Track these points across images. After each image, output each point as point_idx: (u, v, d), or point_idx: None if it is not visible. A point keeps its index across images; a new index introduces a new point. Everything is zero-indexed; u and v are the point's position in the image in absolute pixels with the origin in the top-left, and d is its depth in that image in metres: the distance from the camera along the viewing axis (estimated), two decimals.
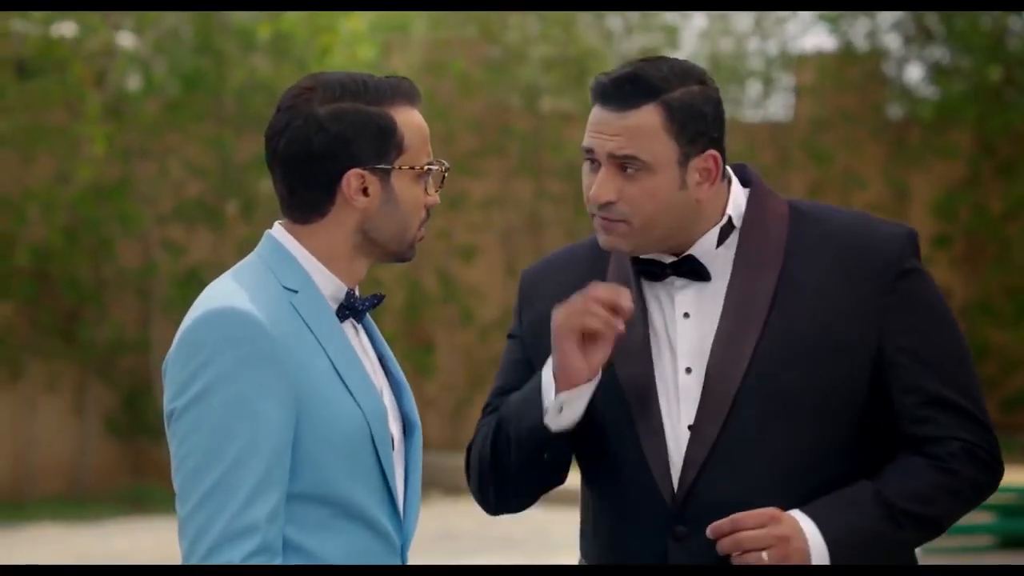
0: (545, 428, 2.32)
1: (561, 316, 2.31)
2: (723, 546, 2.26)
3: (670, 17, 13.40)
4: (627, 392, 2.34)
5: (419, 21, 12.26)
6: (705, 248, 2.38)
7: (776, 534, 2.25)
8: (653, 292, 2.40)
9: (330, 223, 2.21)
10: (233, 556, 2.07)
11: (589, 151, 2.38)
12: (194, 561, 2.10)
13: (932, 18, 13.65)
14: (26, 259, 10.81)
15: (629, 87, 2.34)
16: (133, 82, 11.32)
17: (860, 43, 13.70)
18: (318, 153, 2.19)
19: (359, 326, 2.27)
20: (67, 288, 11.03)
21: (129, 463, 11.08)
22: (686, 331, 2.36)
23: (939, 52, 13.81)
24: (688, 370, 2.35)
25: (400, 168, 2.21)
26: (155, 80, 11.10)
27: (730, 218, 2.39)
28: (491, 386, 2.52)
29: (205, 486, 2.09)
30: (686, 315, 2.37)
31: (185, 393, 2.12)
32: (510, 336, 2.52)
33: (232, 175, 11.23)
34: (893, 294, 2.33)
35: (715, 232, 2.38)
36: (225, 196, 11.34)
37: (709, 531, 2.27)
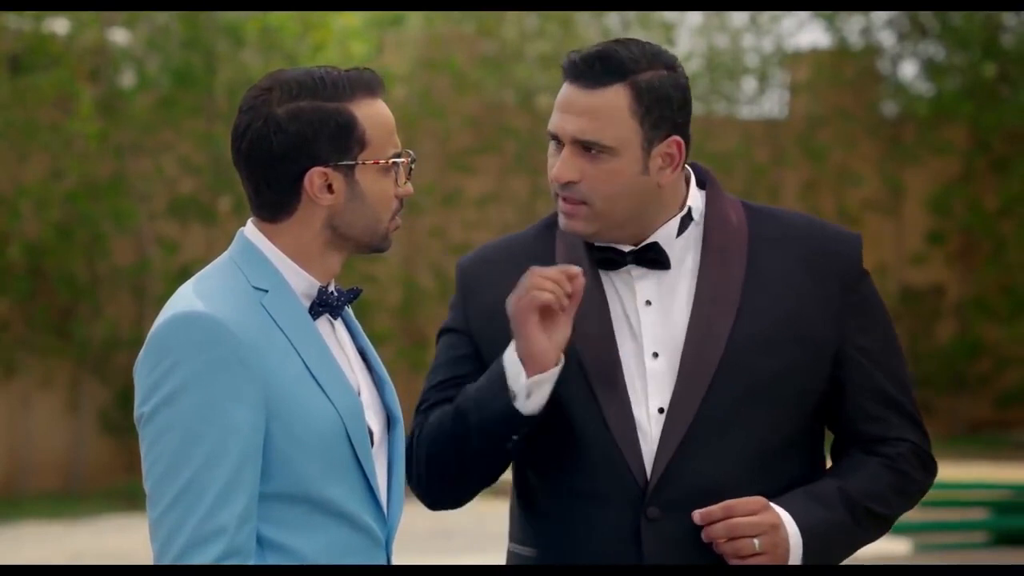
0: (516, 413, 2.32)
1: (514, 299, 2.31)
2: (714, 531, 2.27)
3: (667, 14, 13.40)
4: (592, 375, 2.35)
5: (414, 17, 12.25)
6: (666, 236, 2.40)
7: (769, 521, 2.28)
8: (610, 281, 2.41)
9: (298, 221, 2.21)
10: (201, 560, 2.08)
11: (554, 135, 2.39)
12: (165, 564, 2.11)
13: (926, 15, 13.65)
14: (20, 256, 10.80)
15: (599, 65, 2.35)
16: (126, 78, 11.31)
17: (855, 40, 13.71)
18: (278, 154, 2.18)
19: (335, 322, 2.26)
20: (61, 285, 11.02)
21: (123, 460, 11.08)
22: (649, 318, 2.38)
23: (933, 49, 13.81)
24: (655, 355, 2.36)
25: (364, 163, 2.20)
26: (147, 76, 11.09)
27: (690, 209, 2.41)
28: (427, 382, 2.49)
29: (173, 490, 2.10)
30: (648, 303, 2.38)
31: (153, 398, 2.13)
32: (447, 331, 2.49)
33: (225, 171, 11.22)
34: (854, 294, 2.39)
35: (675, 221, 2.40)
36: (218, 192, 11.34)
37: (698, 517, 2.28)
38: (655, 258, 2.38)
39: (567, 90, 2.38)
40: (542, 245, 2.45)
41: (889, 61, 13.87)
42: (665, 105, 2.35)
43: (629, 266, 2.39)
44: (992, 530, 8.48)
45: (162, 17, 11.08)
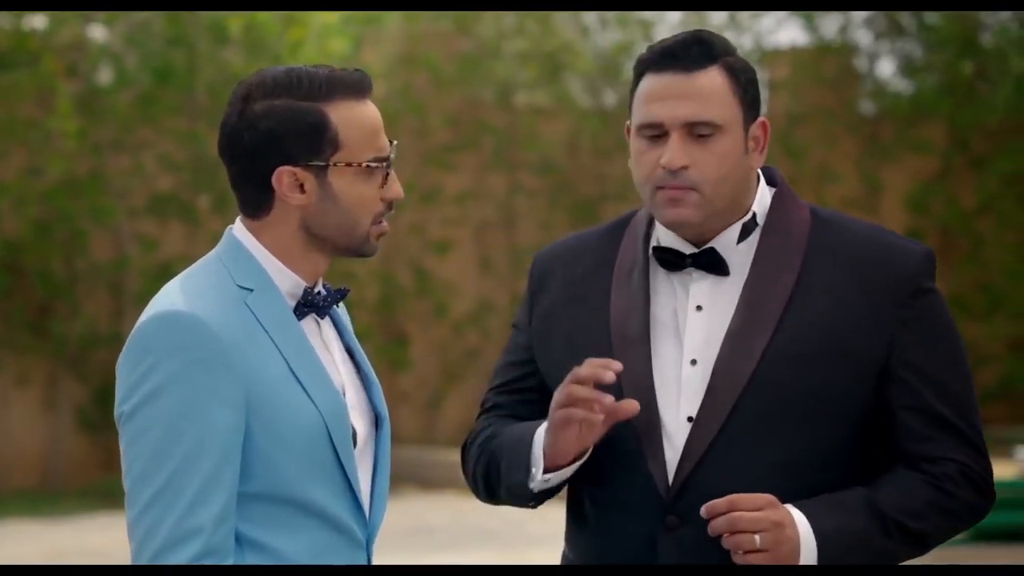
0: (531, 489, 2.36)
1: (555, 402, 2.30)
2: (717, 525, 2.26)
3: (646, 12, 13.42)
4: (624, 381, 2.33)
5: (393, 14, 12.24)
6: (726, 242, 2.38)
7: (772, 519, 2.24)
8: (668, 282, 2.39)
9: (275, 220, 2.21)
10: (178, 559, 2.08)
11: (656, 125, 2.34)
12: (142, 563, 2.11)
13: (904, 13, 13.70)
14: None
15: (697, 48, 2.34)
16: (105, 75, 11.27)
17: (833, 38, 13.75)
18: (250, 150, 2.18)
19: (322, 321, 2.26)
20: (39, 282, 10.99)
21: (101, 457, 11.05)
22: (696, 323, 2.37)
23: (911, 47, 13.86)
24: (693, 362, 2.35)
25: (336, 165, 2.18)
26: (127, 73, 11.06)
27: (754, 215, 2.40)
28: (492, 377, 2.51)
29: (152, 489, 2.10)
30: (699, 308, 2.37)
31: (133, 396, 2.13)
32: (515, 327, 2.50)
33: (205, 170, 11.20)
34: (907, 309, 2.35)
35: (738, 227, 2.38)
36: (198, 190, 11.31)
37: (704, 510, 2.27)
38: (714, 263, 2.37)
39: (662, 79, 2.34)
40: (612, 242, 2.45)
41: (867, 59, 13.92)
42: (754, 87, 2.38)
43: (690, 268, 2.38)
44: (970, 527, 8.51)
45: (142, 14, 11.04)
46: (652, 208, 2.37)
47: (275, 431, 2.15)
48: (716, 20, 13.58)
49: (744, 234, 2.39)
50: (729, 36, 13.59)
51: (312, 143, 2.18)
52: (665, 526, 2.32)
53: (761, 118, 2.39)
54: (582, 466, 2.39)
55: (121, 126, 11.07)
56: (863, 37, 13.89)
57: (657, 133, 2.35)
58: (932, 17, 13.52)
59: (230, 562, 2.11)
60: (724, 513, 2.26)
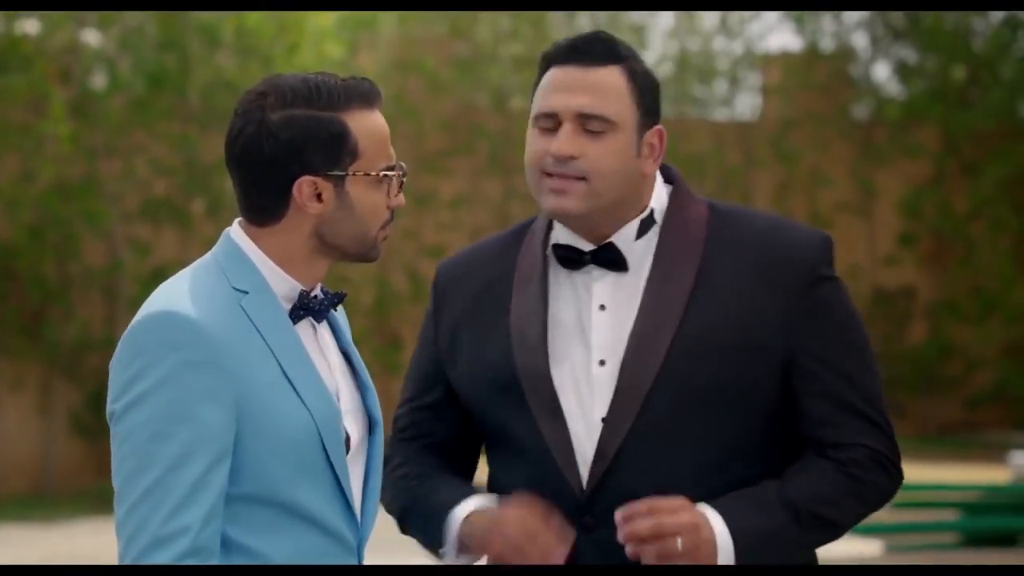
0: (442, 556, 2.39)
1: (499, 553, 2.31)
2: (639, 528, 2.23)
3: (638, 16, 13.44)
4: (525, 384, 2.35)
5: (388, 18, 12.24)
6: (624, 238, 2.38)
7: (689, 521, 2.24)
8: (570, 281, 2.39)
9: (286, 227, 2.21)
10: (164, 559, 2.08)
11: (550, 115, 2.35)
12: (127, 563, 2.11)
13: (897, 17, 13.72)
14: None
15: (600, 46, 2.36)
16: (98, 80, 11.26)
17: (826, 43, 13.77)
18: (269, 160, 2.18)
19: (319, 325, 2.26)
20: (32, 287, 10.98)
21: (94, 462, 11.04)
22: (601, 323, 2.36)
23: (904, 51, 13.88)
24: (602, 362, 2.35)
25: (355, 174, 2.20)
26: (120, 78, 11.05)
27: (652, 211, 2.40)
28: (403, 389, 2.51)
29: (140, 489, 2.10)
30: (602, 307, 2.37)
31: (125, 396, 2.13)
32: (421, 339, 2.51)
33: (198, 174, 11.20)
34: (806, 300, 2.34)
35: (635, 223, 2.38)
36: (191, 195, 11.31)
37: (620, 514, 2.25)
38: (613, 259, 2.37)
39: (563, 71, 2.36)
40: (513, 249, 2.45)
41: (860, 64, 13.94)
42: (652, 94, 2.38)
43: (590, 266, 2.38)
44: (963, 531, 8.53)
45: (136, 18, 11.04)
46: (537, 196, 2.37)
47: (265, 434, 2.15)
48: (708, 25, 13.60)
49: (642, 230, 2.39)
50: (721, 41, 13.62)
51: (333, 153, 2.19)
52: (583, 527, 2.32)
53: (658, 127, 2.39)
54: (499, 472, 2.42)
55: (114, 130, 11.06)
56: (857, 42, 13.91)
57: (551, 125, 2.35)
58: (925, 22, 13.54)
59: (215, 562, 2.12)
60: (642, 516, 2.25)
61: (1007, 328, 13.53)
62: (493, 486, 2.43)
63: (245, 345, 2.16)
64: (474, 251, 2.50)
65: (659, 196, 2.42)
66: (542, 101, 2.36)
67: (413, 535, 2.45)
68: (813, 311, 2.35)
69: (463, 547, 2.36)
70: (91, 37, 11.23)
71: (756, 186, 13.45)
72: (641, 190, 2.38)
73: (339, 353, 2.30)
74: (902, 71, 13.79)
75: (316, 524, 2.18)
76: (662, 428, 2.31)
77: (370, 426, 2.30)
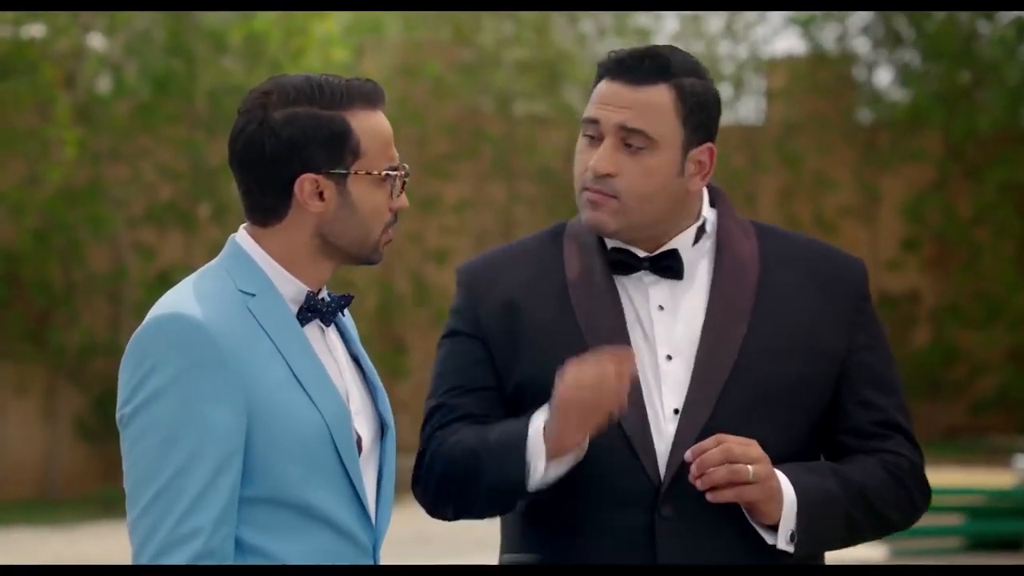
0: (526, 487, 2.34)
1: (564, 391, 2.28)
2: (710, 458, 2.26)
3: (643, 20, 13.44)
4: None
5: (393, 23, 12.26)
6: (683, 245, 2.42)
7: (762, 454, 2.29)
8: (622, 285, 2.42)
9: (288, 227, 2.21)
10: (176, 562, 2.08)
11: (593, 121, 2.39)
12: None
13: (902, 22, 13.72)
14: None
15: (648, 63, 2.38)
16: (103, 84, 11.28)
17: (830, 47, 13.77)
18: (271, 158, 2.18)
19: (327, 329, 2.26)
20: (37, 291, 10.99)
21: (99, 466, 11.05)
22: (662, 321, 2.40)
23: (908, 56, 13.88)
24: (669, 357, 2.39)
25: (357, 173, 2.20)
26: (126, 82, 11.07)
27: (704, 221, 2.45)
28: (439, 384, 2.47)
29: (151, 492, 2.10)
30: (660, 307, 2.42)
31: (133, 400, 2.13)
32: (456, 335, 2.47)
33: (204, 178, 11.21)
34: (861, 314, 2.45)
35: (692, 231, 2.43)
36: (197, 199, 11.32)
37: (691, 453, 2.28)
38: (670, 266, 2.41)
39: (610, 86, 2.38)
40: (551, 250, 2.47)
41: (864, 68, 13.94)
42: (704, 112, 2.40)
43: (642, 272, 2.42)
44: (967, 535, 8.52)
45: (142, 22, 11.05)
46: (578, 205, 2.42)
47: (276, 435, 2.15)
48: (713, 29, 13.60)
49: (696, 238, 2.44)
50: (726, 45, 13.62)
51: (335, 151, 2.19)
52: (661, 515, 2.34)
53: (708, 144, 2.41)
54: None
55: (120, 135, 11.07)
56: (861, 46, 13.92)
57: (593, 133, 2.39)
58: (929, 26, 13.54)
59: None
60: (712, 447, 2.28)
61: (1011, 333, 13.52)
62: (551, 486, 2.40)
63: (253, 346, 2.16)
64: (504, 250, 2.51)
65: (707, 211, 2.47)
66: (589, 108, 2.41)
67: (481, 489, 2.37)
68: (864, 325, 2.45)
69: (546, 443, 2.31)
70: (97, 42, 11.24)
71: (760, 190, 13.45)
72: (687, 205, 2.42)
73: (348, 356, 2.30)
74: (906, 75, 13.79)
75: (330, 525, 2.18)
76: (736, 421, 2.35)
77: (382, 429, 2.30)
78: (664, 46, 2.42)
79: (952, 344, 13.49)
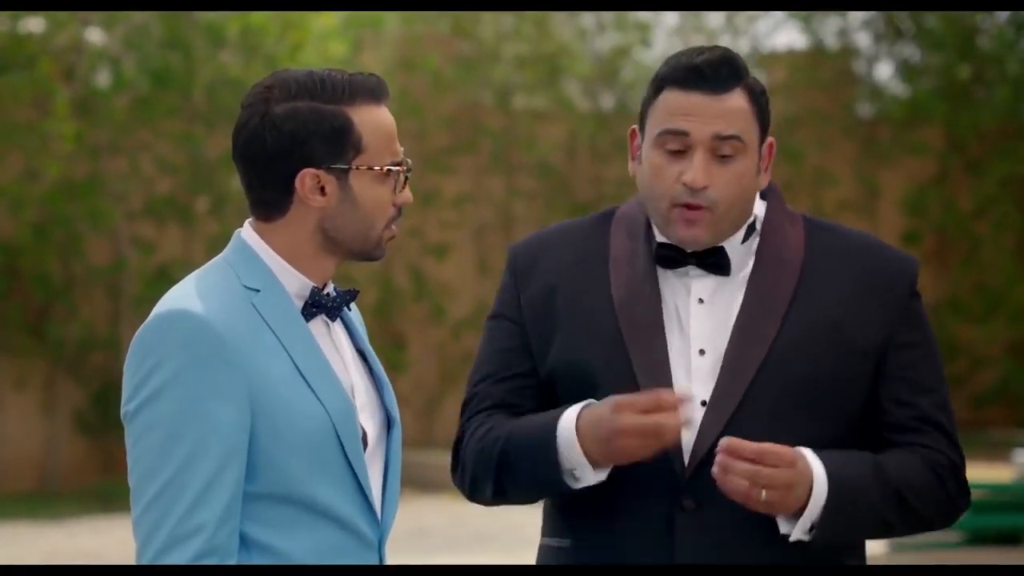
0: (566, 486, 2.37)
1: (622, 426, 2.28)
2: (738, 468, 2.27)
3: (643, 15, 13.43)
4: (638, 366, 2.38)
5: (391, 17, 12.25)
6: (733, 243, 2.44)
7: (785, 481, 2.28)
8: (666, 277, 2.43)
9: (291, 221, 2.21)
10: (180, 559, 2.08)
11: (682, 134, 2.37)
12: (144, 563, 2.11)
13: (902, 16, 13.71)
14: None
15: (726, 70, 2.37)
16: (102, 78, 11.27)
17: (831, 41, 13.76)
18: (272, 152, 2.18)
19: (332, 323, 2.26)
20: (36, 285, 10.98)
21: (98, 460, 11.04)
22: (700, 315, 2.42)
23: (909, 50, 13.87)
24: (702, 351, 2.40)
25: (358, 168, 2.20)
26: (124, 76, 11.06)
27: (755, 218, 2.47)
28: (475, 371, 2.50)
29: (155, 488, 2.11)
30: (700, 301, 2.43)
31: (137, 396, 2.13)
32: (499, 317, 2.50)
33: (202, 172, 11.20)
34: (905, 312, 2.44)
35: (743, 230, 2.45)
36: (195, 193, 11.31)
37: (725, 444, 2.28)
38: (717, 263, 2.42)
39: (691, 96, 2.37)
40: (598, 234, 2.47)
41: (865, 62, 13.93)
42: (767, 107, 2.43)
43: (688, 267, 2.43)
44: (968, 530, 8.52)
45: (140, 17, 11.04)
46: (663, 222, 2.40)
47: (280, 430, 2.14)
48: (713, 23, 13.59)
49: (746, 236, 2.45)
50: (726, 39, 13.60)
51: (336, 146, 2.18)
52: (681, 507, 2.35)
53: (770, 139, 2.44)
54: None
55: (118, 129, 11.06)
56: (861, 40, 13.90)
57: (679, 146, 2.37)
58: (929, 20, 13.53)
59: (232, 562, 2.11)
60: (747, 458, 2.28)
61: (1011, 326, 13.52)
62: None
63: (257, 342, 2.15)
64: (554, 231, 2.52)
65: (758, 205, 2.48)
66: (667, 121, 2.37)
67: (518, 472, 2.40)
68: (910, 322, 2.44)
69: (580, 442, 2.33)
70: (95, 36, 11.23)
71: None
72: (753, 202, 2.44)
73: (354, 351, 2.29)
74: (906, 69, 13.78)
75: (335, 520, 2.17)
76: (762, 416, 2.36)
77: (388, 424, 2.29)
78: (723, 47, 2.41)
79: (952, 338, 13.49)
